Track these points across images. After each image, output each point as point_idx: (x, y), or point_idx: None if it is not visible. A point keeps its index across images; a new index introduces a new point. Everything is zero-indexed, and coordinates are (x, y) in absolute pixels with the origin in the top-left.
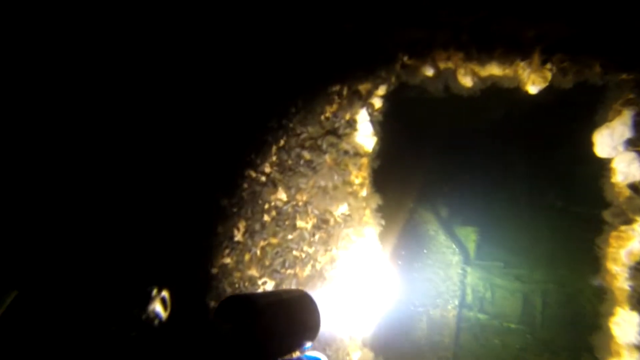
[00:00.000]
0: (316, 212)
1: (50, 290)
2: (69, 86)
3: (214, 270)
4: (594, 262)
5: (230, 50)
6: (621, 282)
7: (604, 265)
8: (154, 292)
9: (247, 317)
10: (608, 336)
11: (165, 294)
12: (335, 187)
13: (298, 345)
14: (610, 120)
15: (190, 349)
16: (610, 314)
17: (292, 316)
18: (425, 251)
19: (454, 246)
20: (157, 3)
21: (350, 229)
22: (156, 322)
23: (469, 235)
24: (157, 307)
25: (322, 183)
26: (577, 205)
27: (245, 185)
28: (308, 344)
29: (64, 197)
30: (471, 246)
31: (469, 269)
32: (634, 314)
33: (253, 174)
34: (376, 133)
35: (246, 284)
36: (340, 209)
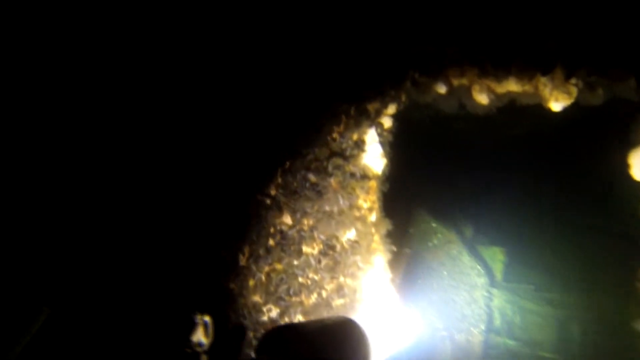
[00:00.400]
0: (322, 237)
1: (84, 310)
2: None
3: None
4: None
5: (237, 71)
6: None
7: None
8: (198, 318)
9: (296, 353)
10: None
11: (207, 319)
12: (341, 212)
13: None
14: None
15: None
16: None
17: (343, 348)
18: (446, 273)
19: (478, 267)
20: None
21: (358, 256)
22: (200, 351)
23: (496, 256)
24: (200, 335)
25: (327, 207)
26: (615, 228)
27: (250, 208)
28: None
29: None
30: (498, 267)
31: (495, 291)
32: None
33: (258, 197)
34: (386, 154)
35: (250, 310)
36: (348, 235)
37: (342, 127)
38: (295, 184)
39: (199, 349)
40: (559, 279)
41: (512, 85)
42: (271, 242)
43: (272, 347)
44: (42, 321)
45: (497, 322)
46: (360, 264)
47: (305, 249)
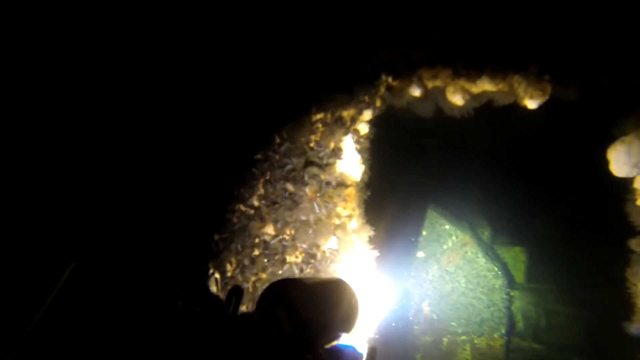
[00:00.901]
0: (304, 246)
1: (108, 264)
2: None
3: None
4: None
5: (214, 85)
6: None
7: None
8: (211, 271)
9: (297, 304)
10: None
11: (217, 275)
12: (318, 221)
13: (337, 335)
14: (627, 134)
15: (250, 330)
16: None
17: (336, 306)
18: (463, 276)
19: (496, 269)
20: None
21: (338, 264)
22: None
23: (517, 256)
24: (212, 286)
25: (304, 217)
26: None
27: (235, 220)
28: (345, 335)
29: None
30: (520, 268)
31: (517, 294)
32: None
33: (242, 208)
34: (364, 161)
35: None
36: (329, 243)
37: (319, 135)
38: (275, 194)
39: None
40: (586, 278)
41: (486, 85)
42: (256, 252)
43: (273, 295)
44: (69, 274)
45: (520, 325)
46: (340, 271)
47: (289, 258)
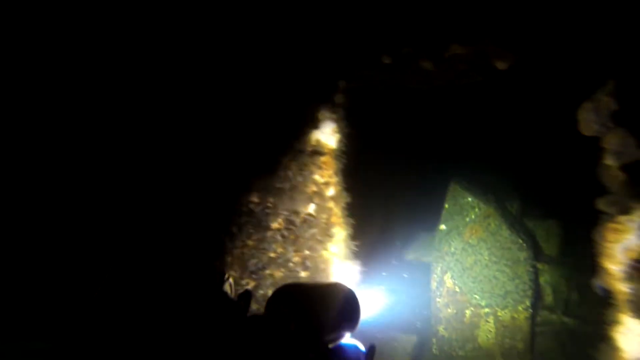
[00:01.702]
0: (285, 213)
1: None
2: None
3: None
4: None
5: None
6: (620, 284)
7: (602, 264)
8: (226, 275)
9: (302, 305)
10: (612, 348)
11: (231, 280)
12: (293, 188)
13: (341, 335)
14: (594, 92)
15: (259, 330)
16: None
17: (339, 306)
18: (486, 249)
19: (520, 241)
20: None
21: (316, 229)
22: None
23: (550, 229)
24: (228, 290)
25: (279, 184)
26: None
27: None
28: (348, 334)
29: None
30: (553, 241)
31: (546, 267)
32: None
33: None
34: (339, 130)
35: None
36: (308, 209)
37: (297, 104)
38: (259, 164)
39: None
40: None
41: (457, 49)
42: (243, 219)
43: (280, 298)
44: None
45: (550, 298)
46: (318, 237)
47: (271, 224)
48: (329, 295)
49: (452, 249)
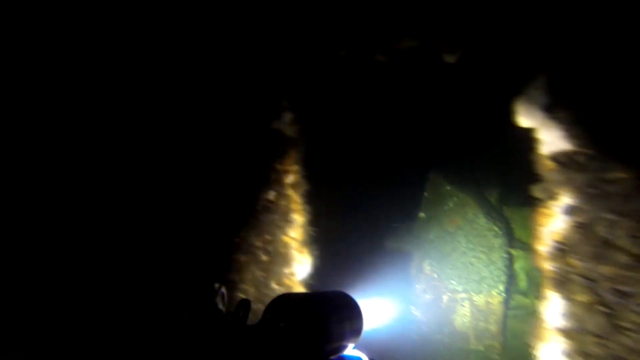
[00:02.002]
0: (249, 198)
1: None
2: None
3: None
4: None
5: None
6: (546, 262)
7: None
8: (217, 286)
9: (299, 316)
10: (539, 320)
11: (224, 290)
12: (255, 174)
13: (344, 346)
14: (529, 85)
15: (246, 344)
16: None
17: (340, 317)
18: (463, 236)
19: (496, 229)
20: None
21: (275, 215)
22: (218, 311)
23: (527, 217)
24: (219, 301)
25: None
26: None
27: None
28: (351, 345)
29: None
30: (529, 229)
31: (521, 253)
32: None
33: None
34: (300, 119)
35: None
36: (267, 196)
37: (261, 96)
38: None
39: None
40: None
41: (409, 42)
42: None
43: (276, 308)
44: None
45: (523, 283)
46: (278, 223)
47: (239, 209)
48: (330, 303)
49: (431, 237)
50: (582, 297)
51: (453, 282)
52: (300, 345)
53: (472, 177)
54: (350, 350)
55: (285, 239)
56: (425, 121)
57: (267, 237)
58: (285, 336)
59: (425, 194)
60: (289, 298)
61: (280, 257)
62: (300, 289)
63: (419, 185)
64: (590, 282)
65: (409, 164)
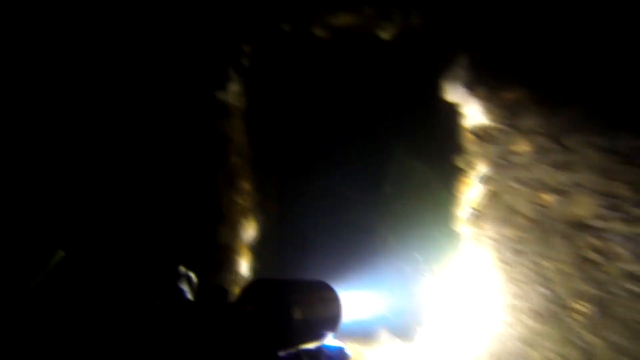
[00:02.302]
0: (193, 167)
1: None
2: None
3: None
4: None
5: None
6: (464, 227)
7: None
8: (182, 270)
9: (271, 302)
10: None
11: (192, 275)
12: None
13: (320, 335)
14: (454, 63)
15: (212, 327)
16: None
17: (315, 306)
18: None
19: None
20: None
21: (221, 181)
22: (183, 297)
23: None
24: (184, 285)
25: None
26: None
27: None
28: (329, 335)
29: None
30: None
31: None
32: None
33: None
34: (245, 90)
35: None
36: (212, 163)
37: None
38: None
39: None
40: None
41: (346, 18)
42: None
43: (252, 295)
44: (56, 264)
45: None
46: (224, 188)
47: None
48: (305, 290)
49: (395, 210)
50: (490, 256)
51: (416, 254)
52: (267, 329)
53: (427, 151)
54: (330, 340)
55: (231, 203)
56: (374, 96)
57: (212, 201)
58: (253, 320)
59: (390, 167)
60: (263, 283)
61: (226, 221)
62: (246, 253)
63: (382, 158)
64: (496, 242)
65: (366, 136)
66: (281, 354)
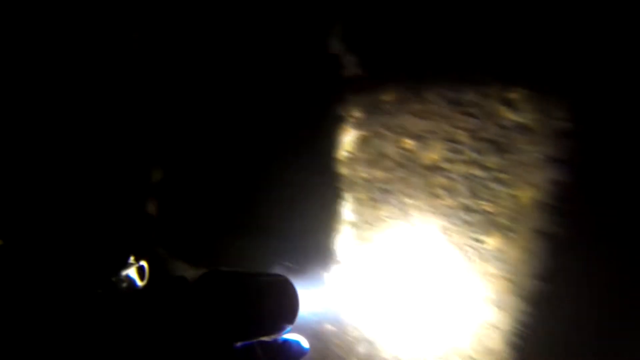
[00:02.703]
0: None
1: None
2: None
3: None
4: None
5: None
6: (342, 169)
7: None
8: (132, 259)
9: (226, 293)
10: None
11: (144, 264)
12: None
13: (276, 327)
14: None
15: (162, 316)
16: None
17: (272, 298)
18: None
19: None
20: None
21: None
22: (130, 287)
23: None
24: (133, 273)
25: None
26: None
27: None
28: (287, 328)
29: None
30: None
31: None
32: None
33: None
34: None
35: None
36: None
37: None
38: None
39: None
40: None
41: None
42: None
43: (206, 285)
44: None
45: None
46: None
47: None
48: (264, 283)
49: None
50: (362, 195)
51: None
52: (221, 321)
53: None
54: (286, 333)
55: None
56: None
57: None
58: (206, 311)
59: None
60: (219, 274)
61: None
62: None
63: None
64: (367, 183)
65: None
66: (236, 345)
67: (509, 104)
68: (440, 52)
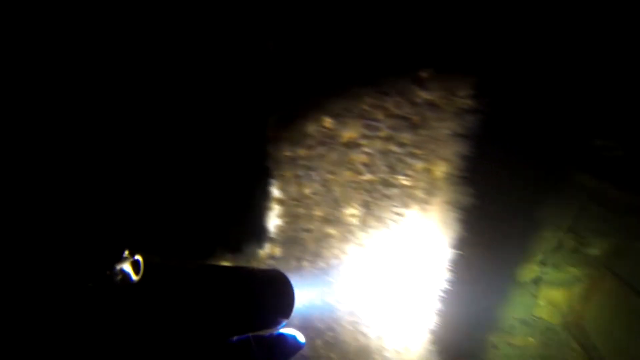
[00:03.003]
0: None
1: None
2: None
3: None
4: None
5: None
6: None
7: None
8: (126, 253)
9: (220, 287)
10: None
11: (139, 258)
12: None
13: (271, 322)
14: None
15: (157, 310)
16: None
17: (267, 292)
18: None
19: None
20: None
21: None
22: (124, 281)
23: None
24: (127, 267)
25: None
26: None
27: None
28: (283, 322)
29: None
30: None
31: None
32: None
33: None
34: None
35: None
36: None
37: None
38: None
39: (119, 277)
40: None
41: None
42: None
43: (204, 283)
44: None
45: None
46: None
47: None
48: (259, 278)
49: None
50: (288, 173)
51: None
52: (216, 315)
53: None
54: (282, 328)
55: None
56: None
57: None
58: (202, 305)
59: None
60: (214, 269)
61: None
62: None
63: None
64: (292, 160)
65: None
66: (231, 339)
67: (420, 82)
68: (356, 34)
